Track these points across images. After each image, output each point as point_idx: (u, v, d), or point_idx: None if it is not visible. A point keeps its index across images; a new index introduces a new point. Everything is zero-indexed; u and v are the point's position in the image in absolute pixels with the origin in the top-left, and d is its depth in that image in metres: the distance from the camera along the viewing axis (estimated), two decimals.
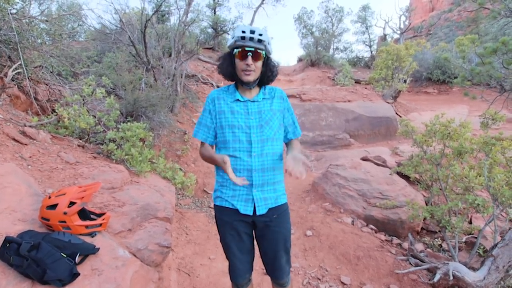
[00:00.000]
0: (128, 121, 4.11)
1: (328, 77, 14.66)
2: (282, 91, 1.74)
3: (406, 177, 4.34)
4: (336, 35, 18.82)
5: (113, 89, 5.29)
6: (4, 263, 1.50)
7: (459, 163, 3.14)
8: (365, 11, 19.46)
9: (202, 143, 1.72)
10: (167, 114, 5.46)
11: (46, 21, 3.98)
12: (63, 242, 1.64)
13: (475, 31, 17.42)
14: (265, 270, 1.81)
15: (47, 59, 3.88)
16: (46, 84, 3.97)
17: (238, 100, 1.63)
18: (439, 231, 3.50)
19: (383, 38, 20.63)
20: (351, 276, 2.91)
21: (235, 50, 1.54)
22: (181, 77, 7.27)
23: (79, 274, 1.59)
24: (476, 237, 3.12)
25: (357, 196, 4.17)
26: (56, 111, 3.42)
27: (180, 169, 4.43)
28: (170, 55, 7.25)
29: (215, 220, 1.76)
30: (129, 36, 6.27)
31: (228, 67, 1.61)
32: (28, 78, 3.42)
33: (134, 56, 6.68)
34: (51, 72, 4.08)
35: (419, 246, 3.33)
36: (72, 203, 1.77)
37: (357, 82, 13.43)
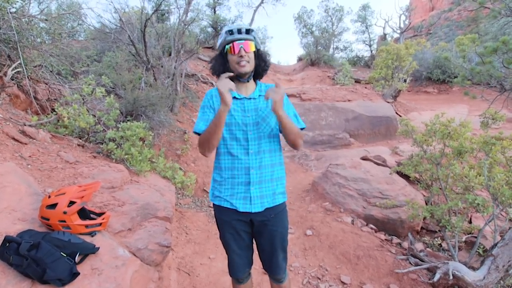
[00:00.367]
0: (128, 120, 4.10)
1: (328, 76, 14.65)
2: None
3: (406, 177, 4.34)
4: (336, 34, 18.82)
5: (113, 88, 5.28)
6: (4, 262, 1.50)
7: (459, 162, 3.14)
8: (365, 10, 19.44)
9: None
10: (167, 114, 5.45)
11: (46, 20, 3.97)
12: (63, 241, 1.64)
13: (475, 30, 17.41)
14: (262, 267, 1.83)
15: (47, 58, 3.87)
16: (46, 83, 3.97)
17: (234, 97, 1.62)
18: (439, 230, 3.50)
19: (383, 37, 20.62)
20: (351, 276, 2.91)
21: (227, 47, 1.57)
22: (181, 76, 7.26)
23: (79, 273, 1.59)
24: (476, 237, 3.12)
25: (357, 195, 4.17)
26: (56, 110, 3.42)
27: (180, 169, 4.43)
28: (170, 54, 7.24)
29: (215, 218, 1.78)
30: (128, 35, 6.25)
31: (221, 67, 1.62)
32: (28, 77, 3.42)
33: (134, 55, 6.67)
34: (51, 71, 4.07)
35: (419, 246, 3.33)
36: (72, 203, 1.77)
37: (357, 81, 13.42)
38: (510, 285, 2.51)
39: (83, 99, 3.66)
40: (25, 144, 2.63)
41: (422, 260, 2.92)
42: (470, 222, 3.67)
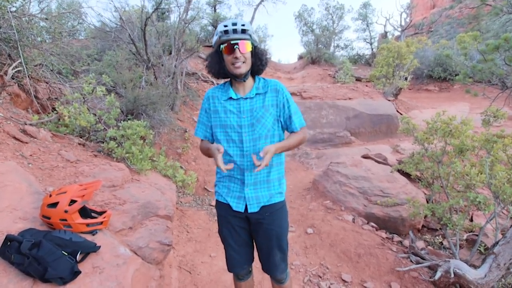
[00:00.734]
0: (129, 119, 4.10)
1: (329, 74, 14.62)
2: (278, 82, 1.65)
3: (407, 175, 4.33)
4: (336, 32, 18.74)
5: (114, 87, 5.28)
6: (5, 261, 1.50)
7: (461, 160, 3.13)
8: (366, 8, 19.34)
9: (202, 139, 1.76)
10: (167, 112, 5.45)
11: (46, 19, 3.97)
12: (64, 240, 1.64)
13: (477, 28, 17.34)
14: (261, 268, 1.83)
15: (47, 57, 3.87)
16: (46, 82, 3.97)
17: (231, 98, 1.60)
18: (440, 228, 3.50)
19: (384, 35, 20.53)
20: (352, 274, 2.91)
21: (222, 46, 1.50)
22: (182, 75, 7.25)
23: (80, 272, 1.59)
24: (477, 235, 3.11)
25: (358, 193, 4.17)
26: (57, 109, 3.41)
27: (181, 167, 4.43)
28: (170, 53, 7.23)
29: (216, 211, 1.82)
30: (129, 34, 6.25)
31: (216, 65, 1.58)
32: (28, 76, 3.42)
33: (134, 54, 6.66)
34: (51, 70, 4.07)
35: (420, 244, 3.33)
36: (73, 201, 1.77)
37: (358, 79, 13.38)
38: None
39: (83, 98, 3.65)
40: (26, 143, 2.63)
41: (423, 258, 2.92)
42: (471, 220, 3.67)
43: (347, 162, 4.82)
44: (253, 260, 1.84)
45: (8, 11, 3.09)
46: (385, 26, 20.33)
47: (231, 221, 1.69)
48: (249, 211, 1.62)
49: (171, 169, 3.84)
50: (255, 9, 15.86)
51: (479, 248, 3.04)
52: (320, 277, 2.87)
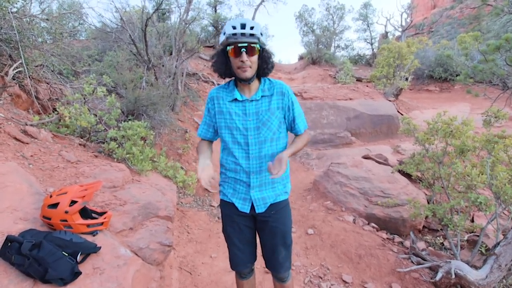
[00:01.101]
0: (129, 119, 4.10)
1: (329, 75, 14.62)
2: (283, 85, 1.64)
3: (407, 175, 4.33)
4: (337, 33, 18.75)
5: (114, 87, 5.28)
6: (6, 262, 1.50)
7: (461, 161, 3.12)
8: (367, 8, 19.35)
9: (201, 139, 1.77)
10: (168, 113, 5.46)
11: (47, 19, 3.97)
12: (65, 241, 1.64)
13: (477, 28, 17.33)
14: (265, 266, 1.84)
15: (48, 58, 3.88)
16: (47, 83, 3.97)
17: (236, 99, 1.59)
18: (441, 229, 3.49)
19: (385, 35, 20.52)
20: (353, 275, 2.91)
21: (228, 48, 1.47)
22: (182, 75, 7.26)
23: (80, 273, 1.59)
24: (478, 236, 3.10)
25: (358, 194, 4.16)
26: (57, 110, 3.42)
27: (182, 168, 4.43)
28: (171, 54, 7.24)
29: (220, 210, 1.82)
30: (129, 35, 6.25)
31: (222, 65, 1.55)
32: (29, 77, 3.42)
33: (135, 54, 6.67)
34: (52, 71, 4.07)
35: (421, 245, 3.32)
36: (73, 202, 1.77)
37: (359, 80, 13.38)
38: None
39: (84, 99, 3.66)
40: (27, 143, 2.64)
41: (424, 259, 2.91)
42: (472, 220, 3.66)
43: (347, 163, 4.82)
44: (255, 259, 1.85)
45: (9, 12, 3.09)
46: (385, 26, 20.33)
47: (237, 219, 1.69)
48: (256, 211, 1.63)
49: (172, 169, 3.84)
50: (256, 10, 15.90)
51: (480, 249, 3.03)
52: (321, 278, 2.86)
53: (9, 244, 1.52)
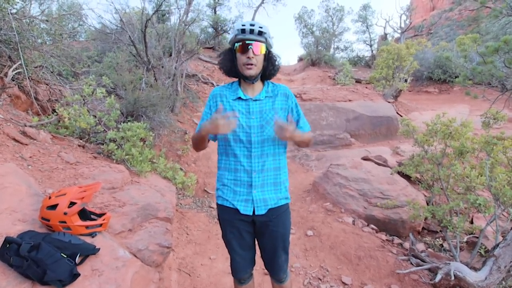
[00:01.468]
0: (129, 121, 4.10)
1: (329, 76, 14.63)
2: (287, 88, 1.69)
3: (407, 177, 4.32)
4: (336, 34, 18.77)
5: (114, 89, 5.28)
6: (4, 263, 1.49)
7: (461, 162, 3.13)
8: (366, 10, 19.39)
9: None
10: (167, 114, 5.45)
11: (47, 21, 3.97)
12: (64, 242, 1.64)
13: (476, 30, 17.38)
14: (264, 268, 1.83)
15: (48, 59, 3.88)
16: (47, 84, 3.97)
17: (240, 98, 1.60)
18: (441, 231, 3.49)
19: (384, 37, 20.57)
20: (352, 276, 2.90)
21: (236, 44, 1.52)
22: (182, 76, 7.26)
23: (79, 274, 1.58)
24: (477, 237, 3.11)
25: (358, 196, 4.16)
26: (57, 111, 3.42)
27: (181, 169, 4.43)
28: (171, 55, 7.24)
29: (217, 217, 1.78)
30: (129, 36, 6.25)
31: (228, 63, 1.59)
32: (29, 78, 3.42)
33: (134, 55, 6.67)
34: (52, 72, 4.07)
35: (420, 246, 3.32)
36: (72, 203, 1.77)
37: (358, 81, 13.40)
38: None
39: (83, 100, 3.66)
40: (26, 144, 2.63)
41: (423, 261, 2.91)
42: (471, 222, 3.66)
43: (347, 164, 4.82)
44: (254, 264, 1.84)
45: (8, 13, 3.09)
46: (385, 28, 20.53)
47: (237, 225, 1.66)
48: (256, 213, 1.61)
49: (171, 171, 3.84)
50: (255, 11, 15.89)
51: (479, 251, 3.04)
52: (320, 280, 2.86)
53: (8, 245, 1.51)
